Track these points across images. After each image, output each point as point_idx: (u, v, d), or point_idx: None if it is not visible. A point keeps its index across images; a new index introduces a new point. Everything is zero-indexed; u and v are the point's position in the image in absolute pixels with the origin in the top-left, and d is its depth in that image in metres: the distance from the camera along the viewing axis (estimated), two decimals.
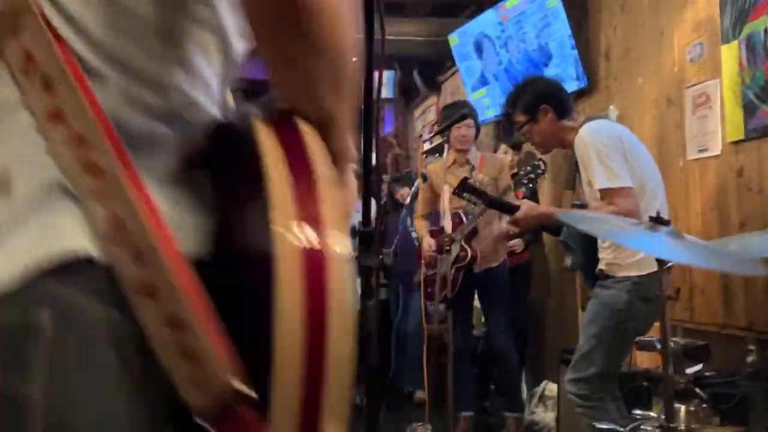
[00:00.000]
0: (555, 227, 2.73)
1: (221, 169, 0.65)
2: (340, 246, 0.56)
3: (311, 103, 0.65)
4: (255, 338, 0.54)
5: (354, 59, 0.68)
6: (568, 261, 2.99)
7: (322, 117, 0.65)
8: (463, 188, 2.86)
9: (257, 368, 0.53)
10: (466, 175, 3.65)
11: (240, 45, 0.69)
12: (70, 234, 0.53)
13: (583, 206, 2.61)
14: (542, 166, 2.83)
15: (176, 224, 0.57)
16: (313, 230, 0.55)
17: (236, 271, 0.58)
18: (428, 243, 3.68)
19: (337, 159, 0.68)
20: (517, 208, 2.60)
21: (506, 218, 3.71)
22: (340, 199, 0.61)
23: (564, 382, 3.28)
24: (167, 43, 0.61)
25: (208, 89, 0.66)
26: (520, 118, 2.66)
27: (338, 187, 0.71)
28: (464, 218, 3.57)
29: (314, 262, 0.54)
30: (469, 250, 3.56)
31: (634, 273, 2.35)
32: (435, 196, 3.78)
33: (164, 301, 0.52)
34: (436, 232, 3.68)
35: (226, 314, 0.54)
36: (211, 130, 0.66)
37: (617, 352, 2.44)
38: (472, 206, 3.57)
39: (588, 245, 2.59)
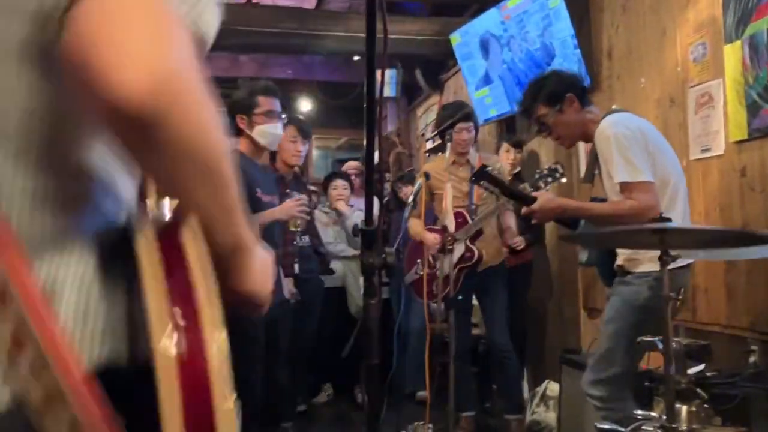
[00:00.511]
0: (571, 220, 2.66)
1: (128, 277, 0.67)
2: (217, 346, 0.60)
3: (191, 206, 0.68)
4: None
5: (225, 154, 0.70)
6: (583, 257, 2.93)
7: (205, 216, 0.68)
8: (481, 176, 2.77)
9: None
10: (465, 175, 3.64)
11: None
12: None
13: (602, 200, 2.56)
14: (560, 170, 2.74)
15: (88, 332, 0.60)
16: (190, 336, 0.58)
17: (138, 380, 0.60)
18: (433, 237, 3.60)
19: (233, 250, 0.73)
20: (534, 199, 2.52)
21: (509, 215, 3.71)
22: (216, 299, 0.64)
23: (565, 382, 3.28)
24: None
25: (116, 197, 0.69)
26: (543, 110, 2.57)
27: (232, 282, 0.75)
28: (468, 218, 3.55)
29: (192, 370, 0.57)
30: (475, 250, 3.55)
31: (654, 268, 2.18)
32: (430, 196, 3.75)
33: (47, 376, 0.53)
34: (438, 231, 3.66)
35: (136, 421, 0.57)
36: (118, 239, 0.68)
37: (638, 351, 2.36)
38: (474, 206, 3.57)
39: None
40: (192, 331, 0.59)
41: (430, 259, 3.65)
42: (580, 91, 2.56)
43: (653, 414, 2.10)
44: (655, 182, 2.29)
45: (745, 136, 2.70)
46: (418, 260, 3.75)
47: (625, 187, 2.30)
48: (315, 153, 8.78)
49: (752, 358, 2.43)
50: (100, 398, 0.55)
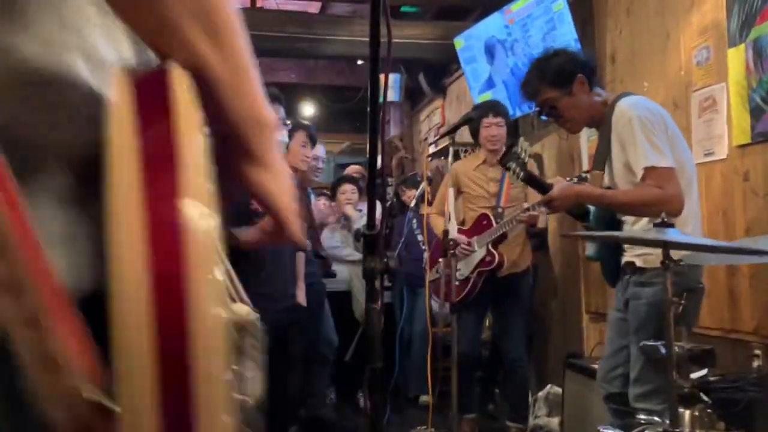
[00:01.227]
0: (582, 212, 2.50)
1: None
2: (202, 218, 0.46)
3: (173, 45, 0.53)
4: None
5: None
6: (590, 250, 2.75)
7: (197, 68, 0.54)
8: (509, 157, 2.53)
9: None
10: (495, 176, 3.60)
11: None
12: None
13: (609, 189, 2.39)
14: (517, 148, 2.55)
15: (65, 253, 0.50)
16: (166, 203, 0.45)
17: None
18: (461, 236, 3.48)
19: (251, 126, 0.58)
20: (551, 186, 2.35)
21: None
22: (207, 169, 0.49)
23: (568, 386, 3.27)
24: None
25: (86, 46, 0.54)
26: (551, 93, 2.36)
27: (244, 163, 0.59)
28: (493, 221, 3.49)
29: (164, 246, 0.45)
30: (496, 254, 3.48)
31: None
32: (457, 194, 3.68)
33: (22, 299, 0.44)
34: (464, 232, 3.58)
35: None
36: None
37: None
38: (500, 209, 3.46)
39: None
40: (168, 207, 0.46)
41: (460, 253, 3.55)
42: (590, 71, 2.38)
43: (656, 418, 2.10)
44: (677, 169, 2.14)
45: (749, 140, 2.70)
46: (440, 260, 3.72)
47: (651, 173, 2.11)
48: None
49: (756, 363, 2.42)
50: (82, 331, 0.46)
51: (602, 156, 2.33)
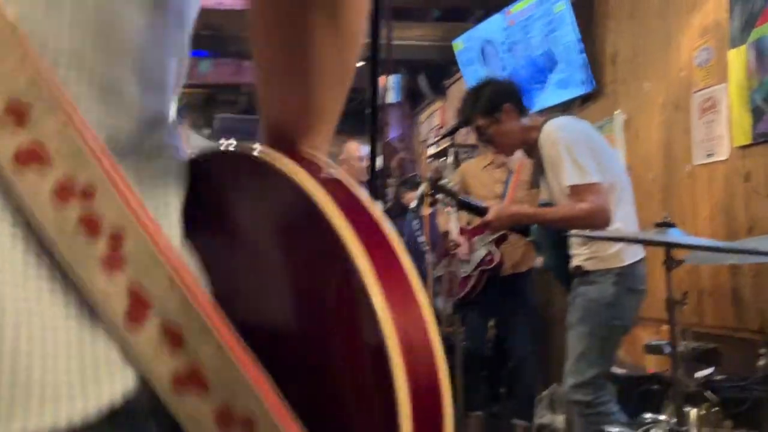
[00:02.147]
0: (523, 228, 2.69)
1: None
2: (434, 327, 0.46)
3: (332, 114, 0.52)
4: None
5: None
6: (544, 261, 2.94)
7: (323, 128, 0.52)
8: (436, 189, 2.78)
9: None
10: (501, 177, 3.63)
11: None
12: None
13: (549, 205, 2.56)
14: (417, 179, 2.88)
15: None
16: (411, 316, 0.44)
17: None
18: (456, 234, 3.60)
19: None
20: (486, 209, 2.53)
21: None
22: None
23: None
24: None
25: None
26: (481, 122, 2.55)
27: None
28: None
29: (420, 354, 0.44)
30: (495, 254, 3.52)
31: (616, 264, 2.32)
32: (466, 195, 3.72)
33: (218, 392, 0.38)
34: (469, 232, 3.62)
35: None
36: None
37: (612, 349, 2.41)
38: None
39: (558, 244, 2.55)
40: (408, 304, 0.44)
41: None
42: (517, 99, 2.55)
43: (662, 417, 2.10)
44: (603, 183, 2.29)
45: (750, 141, 2.70)
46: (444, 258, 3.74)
47: (576, 190, 2.28)
48: None
49: (762, 362, 2.42)
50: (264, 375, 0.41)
51: (537, 175, 2.55)
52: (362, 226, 0.44)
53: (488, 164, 3.70)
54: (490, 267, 3.52)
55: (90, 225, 0.38)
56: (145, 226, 0.39)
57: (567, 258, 2.51)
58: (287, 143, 0.50)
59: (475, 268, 3.53)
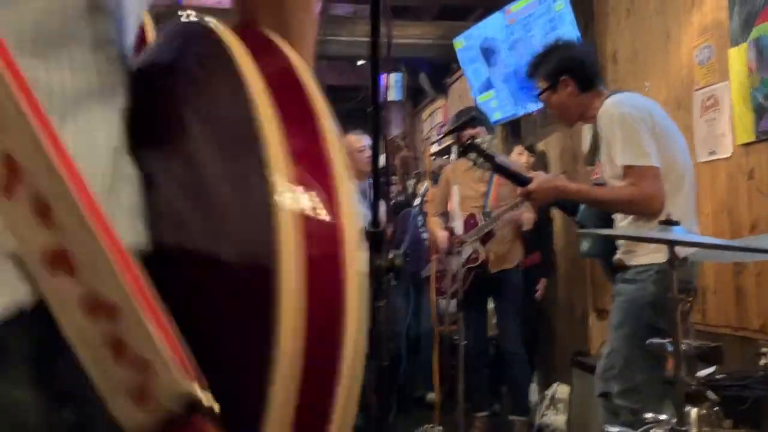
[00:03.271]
0: (570, 205, 2.50)
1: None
2: (357, 217, 0.42)
3: (283, 19, 0.54)
4: (215, 339, 0.41)
5: None
6: (583, 246, 2.70)
7: (291, 38, 0.53)
8: (470, 148, 2.55)
9: (216, 373, 0.40)
10: (485, 176, 3.63)
11: None
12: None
13: (601, 185, 2.42)
14: (479, 140, 2.61)
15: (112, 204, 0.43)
16: (321, 199, 0.41)
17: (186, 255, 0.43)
18: (443, 235, 3.62)
19: None
20: (529, 179, 2.34)
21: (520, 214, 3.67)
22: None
23: (575, 384, 3.26)
24: None
25: None
26: (541, 83, 2.44)
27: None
28: (479, 220, 3.56)
29: (324, 242, 0.40)
30: (481, 253, 3.55)
31: (658, 260, 2.06)
32: (448, 196, 3.76)
33: (83, 275, 0.38)
34: (450, 232, 3.67)
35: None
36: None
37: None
38: (488, 210, 3.54)
39: (607, 228, 2.38)
40: (319, 179, 0.41)
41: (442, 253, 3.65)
42: (580, 73, 2.38)
43: (663, 417, 2.09)
44: (660, 168, 2.13)
45: (753, 139, 2.70)
46: (435, 256, 3.76)
47: (629, 171, 2.12)
48: None
49: (763, 361, 2.41)
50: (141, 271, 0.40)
51: (593, 152, 2.40)
52: (284, 98, 0.42)
53: (470, 167, 3.71)
54: (474, 265, 3.55)
55: None
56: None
57: (614, 248, 2.35)
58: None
59: (462, 266, 3.55)
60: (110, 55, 0.48)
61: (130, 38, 0.51)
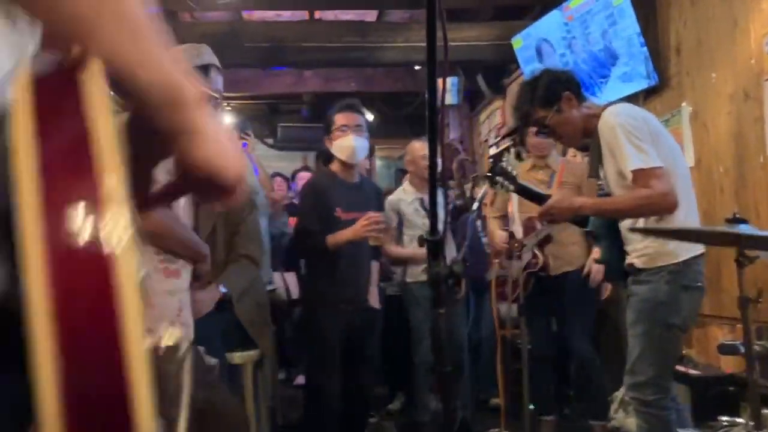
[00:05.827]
0: (581, 219, 2.57)
1: None
2: (118, 235, 0.41)
3: (77, 41, 0.52)
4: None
5: None
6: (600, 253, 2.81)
7: (118, 62, 0.53)
8: (495, 171, 2.70)
9: None
10: (544, 179, 3.61)
11: None
12: None
13: (607, 195, 2.48)
14: (504, 163, 2.70)
15: None
16: (84, 216, 0.41)
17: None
18: (501, 236, 3.62)
19: (167, 99, 0.56)
20: (547, 197, 2.46)
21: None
22: (122, 167, 0.45)
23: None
24: None
25: None
26: (541, 113, 2.48)
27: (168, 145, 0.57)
28: (538, 224, 3.53)
29: (79, 270, 0.41)
30: (540, 257, 3.52)
31: (669, 261, 2.24)
32: (508, 199, 3.74)
33: None
34: (510, 235, 3.65)
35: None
36: None
37: (671, 348, 2.31)
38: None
39: (617, 237, 2.46)
40: (93, 206, 0.42)
41: (502, 261, 3.63)
42: (576, 87, 2.49)
43: (739, 420, 2.03)
44: (666, 168, 2.21)
45: None
46: (496, 260, 3.75)
47: (641, 175, 2.19)
48: (378, 163, 8.89)
49: None
50: None
51: (595, 164, 2.46)
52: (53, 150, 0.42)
53: (531, 167, 3.70)
54: (534, 270, 3.51)
55: None
56: None
57: (623, 253, 2.44)
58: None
59: (522, 271, 3.53)
60: None
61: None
